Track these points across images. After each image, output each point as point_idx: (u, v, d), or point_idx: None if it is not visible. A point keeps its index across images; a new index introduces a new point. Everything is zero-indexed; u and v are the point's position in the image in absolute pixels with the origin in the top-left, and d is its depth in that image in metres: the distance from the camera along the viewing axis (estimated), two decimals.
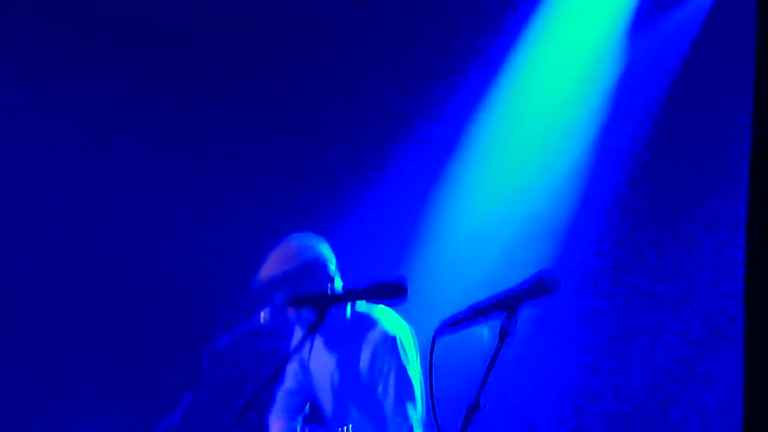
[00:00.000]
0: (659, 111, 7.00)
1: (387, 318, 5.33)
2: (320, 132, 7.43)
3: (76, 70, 7.39)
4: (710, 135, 6.70)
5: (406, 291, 4.29)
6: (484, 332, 3.87)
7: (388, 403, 5.24)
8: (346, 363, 5.34)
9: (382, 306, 5.31)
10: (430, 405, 3.65)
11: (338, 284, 5.33)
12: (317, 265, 5.30)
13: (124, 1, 7.37)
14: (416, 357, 5.34)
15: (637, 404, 6.98)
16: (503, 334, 3.72)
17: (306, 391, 5.63)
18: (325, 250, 5.39)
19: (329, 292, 5.16)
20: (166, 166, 7.59)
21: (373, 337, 5.28)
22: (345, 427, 5.18)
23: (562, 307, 6.78)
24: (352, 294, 4.48)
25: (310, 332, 4.07)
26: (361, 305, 5.33)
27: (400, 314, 5.41)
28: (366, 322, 5.32)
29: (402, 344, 5.27)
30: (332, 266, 5.35)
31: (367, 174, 7.42)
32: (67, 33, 7.34)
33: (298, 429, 5.36)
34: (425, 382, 5.15)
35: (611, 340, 7.03)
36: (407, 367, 5.25)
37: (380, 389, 5.26)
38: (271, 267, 5.31)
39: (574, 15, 7.14)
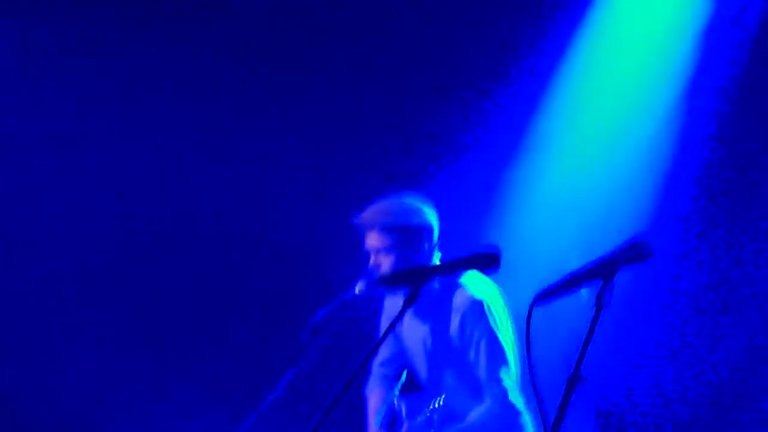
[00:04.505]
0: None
1: (474, 283, 5.35)
2: (402, 102, 7.41)
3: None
4: None
5: (500, 262, 4.31)
6: (583, 294, 3.78)
7: (481, 370, 5.27)
8: (437, 330, 5.38)
9: (470, 271, 5.23)
10: (530, 378, 3.64)
11: (437, 256, 5.36)
12: (423, 234, 5.35)
13: None
14: (507, 320, 5.38)
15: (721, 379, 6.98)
16: (599, 304, 3.66)
17: (400, 360, 5.66)
18: (435, 220, 5.42)
19: (424, 267, 5.20)
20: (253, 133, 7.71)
21: (461, 303, 5.31)
22: (437, 400, 5.23)
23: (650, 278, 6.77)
24: (446, 268, 4.51)
25: (405, 307, 4.09)
26: None
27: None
28: (453, 289, 5.35)
29: (490, 309, 5.30)
30: (435, 239, 5.39)
31: (451, 142, 7.41)
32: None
33: (395, 400, 5.42)
34: (523, 356, 5.16)
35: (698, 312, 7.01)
36: (497, 332, 5.28)
37: (472, 356, 5.29)
38: (381, 213, 5.36)
39: None
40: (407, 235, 5.32)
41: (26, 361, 7.48)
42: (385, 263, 5.32)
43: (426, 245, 5.34)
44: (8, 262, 7.49)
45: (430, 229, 5.37)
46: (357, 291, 5.26)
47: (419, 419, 5.26)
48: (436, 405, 5.22)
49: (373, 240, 5.36)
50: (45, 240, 7.53)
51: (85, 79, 7.49)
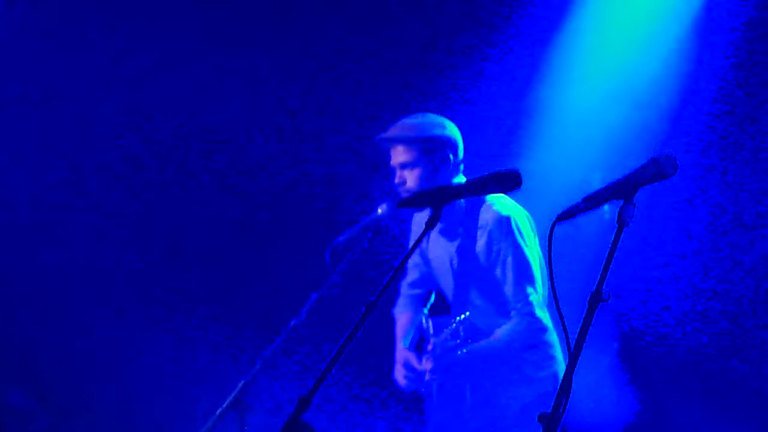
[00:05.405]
0: None
1: (500, 200, 5.34)
2: (420, 32, 7.34)
3: None
4: None
5: (521, 181, 4.30)
6: (606, 212, 3.73)
7: (508, 286, 5.27)
8: (464, 248, 5.35)
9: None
10: (553, 297, 3.63)
11: (461, 177, 5.34)
12: (448, 145, 5.33)
13: None
14: (533, 237, 5.35)
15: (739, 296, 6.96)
16: (622, 222, 3.63)
17: (428, 282, 5.67)
18: (458, 135, 5.39)
19: (445, 187, 5.16)
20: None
21: (487, 219, 5.28)
22: (462, 315, 5.22)
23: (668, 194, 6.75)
24: (467, 188, 4.49)
25: (428, 228, 4.09)
26: None
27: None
28: (479, 206, 5.32)
29: (517, 225, 5.27)
30: (460, 153, 5.37)
31: (469, 69, 7.37)
32: None
33: (423, 320, 5.43)
34: (546, 274, 5.16)
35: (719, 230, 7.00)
36: (524, 248, 5.26)
37: (498, 272, 5.27)
38: (404, 128, 5.33)
39: None
40: (431, 146, 5.31)
41: (43, 299, 7.51)
42: (410, 178, 5.32)
43: (451, 158, 5.33)
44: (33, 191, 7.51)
45: (454, 142, 5.36)
46: (380, 212, 5.21)
47: (445, 332, 5.24)
48: (462, 318, 5.22)
49: (397, 155, 5.35)
50: (62, 171, 7.54)
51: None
